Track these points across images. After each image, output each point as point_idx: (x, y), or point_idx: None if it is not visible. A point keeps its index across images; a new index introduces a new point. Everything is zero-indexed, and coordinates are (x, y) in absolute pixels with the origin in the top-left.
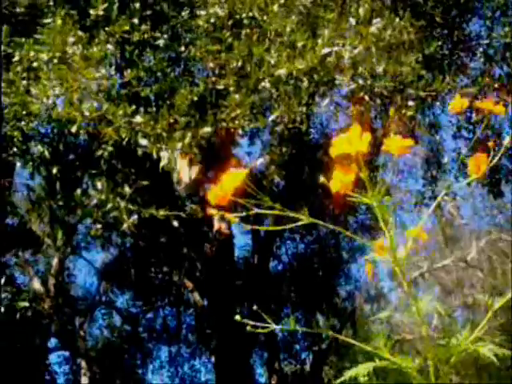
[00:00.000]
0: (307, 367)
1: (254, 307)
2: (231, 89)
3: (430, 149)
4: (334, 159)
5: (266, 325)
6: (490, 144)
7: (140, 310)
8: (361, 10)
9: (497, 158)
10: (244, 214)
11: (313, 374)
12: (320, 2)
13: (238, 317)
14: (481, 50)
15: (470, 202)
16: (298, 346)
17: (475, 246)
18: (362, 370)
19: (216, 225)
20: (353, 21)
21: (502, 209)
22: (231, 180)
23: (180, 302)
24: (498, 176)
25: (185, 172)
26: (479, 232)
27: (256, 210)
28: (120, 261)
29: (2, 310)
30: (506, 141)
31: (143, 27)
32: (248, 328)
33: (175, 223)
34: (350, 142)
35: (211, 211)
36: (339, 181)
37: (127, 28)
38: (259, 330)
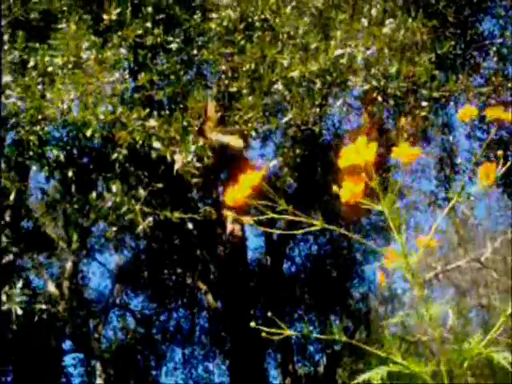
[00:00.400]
0: (321, 369)
1: (269, 313)
2: (244, 91)
3: (443, 149)
4: (343, 170)
5: (280, 331)
6: (500, 153)
7: (154, 312)
8: (373, 11)
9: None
10: (258, 217)
11: (326, 376)
12: (332, 2)
13: (252, 323)
14: (494, 49)
15: (484, 202)
16: (311, 348)
17: (490, 247)
18: (375, 374)
19: (229, 227)
20: (365, 22)
21: None
22: (248, 182)
23: (193, 304)
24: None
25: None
26: (494, 232)
27: (270, 214)
28: (134, 263)
29: (20, 312)
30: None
31: (156, 31)
32: (263, 334)
33: (189, 225)
34: (357, 152)
35: (226, 212)
36: (349, 191)
37: (140, 32)
38: (273, 337)
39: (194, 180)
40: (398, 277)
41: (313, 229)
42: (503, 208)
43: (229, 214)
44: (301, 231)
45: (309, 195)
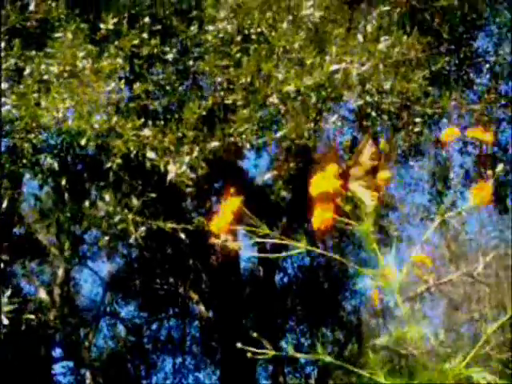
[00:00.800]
0: (312, 381)
1: (254, 334)
2: (239, 103)
3: (436, 163)
4: (315, 197)
5: (265, 351)
6: (489, 172)
7: (145, 320)
8: (369, 27)
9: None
10: (243, 242)
11: None
12: (328, 16)
13: (239, 344)
14: (487, 66)
15: (476, 217)
16: (302, 360)
17: (482, 261)
18: None
19: (222, 237)
20: (361, 38)
21: (509, 224)
22: (229, 208)
23: (185, 313)
24: (504, 192)
25: None
26: (486, 247)
27: (255, 239)
28: (126, 271)
29: (6, 322)
30: (500, 168)
31: (152, 41)
32: (248, 355)
33: (182, 235)
34: (326, 180)
35: (213, 241)
36: (319, 217)
37: (137, 42)
38: (259, 356)
39: (188, 190)
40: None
41: (297, 251)
42: (496, 223)
43: (216, 242)
44: (284, 255)
45: (302, 208)
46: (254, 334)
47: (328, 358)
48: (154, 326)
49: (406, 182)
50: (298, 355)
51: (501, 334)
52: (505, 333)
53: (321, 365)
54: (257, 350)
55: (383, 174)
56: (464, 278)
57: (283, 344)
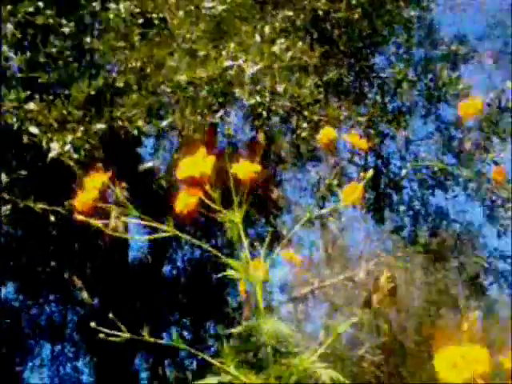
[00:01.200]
0: (189, 374)
1: (110, 315)
2: (130, 88)
3: (330, 169)
4: (181, 181)
5: (121, 334)
6: (363, 175)
7: (24, 304)
8: (266, 28)
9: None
10: (106, 221)
11: (195, 381)
12: (235, 11)
13: (92, 323)
14: (379, 81)
15: (362, 226)
16: (182, 353)
17: (364, 268)
18: (207, 382)
19: (112, 222)
20: (258, 37)
21: (390, 235)
22: (93, 184)
23: (68, 299)
24: (381, 203)
25: None
26: (369, 254)
27: (122, 219)
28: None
29: None
30: (369, 173)
31: (48, 11)
32: (100, 335)
33: (52, 218)
34: (195, 164)
35: (78, 217)
36: (183, 201)
37: (31, 10)
38: (114, 339)
39: (76, 171)
40: (275, 288)
41: (165, 235)
42: (379, 233)
43: (80, 219)
44: (151, 237)
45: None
46: (110, 315)
47: (183, 346)
48: (34, 311)
49: (302, 185)
50: (160, 341)
51: (376, 339)
52: (380, 337)
53: (200, 358)
54: (110, 332)
55: (252, 167)
56: (346, 283)
57: (165, 336)
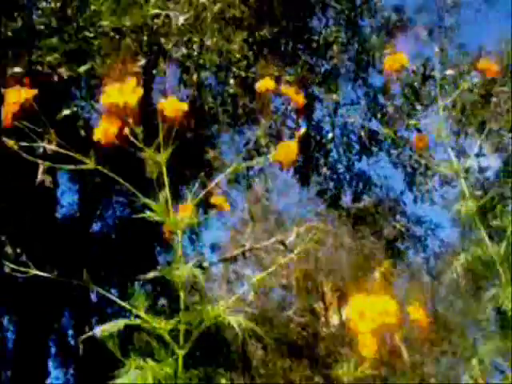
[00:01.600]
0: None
1: (17, 250)
2: (49, 31)
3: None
4: (105, 108)
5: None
6: (297, 134)
7: None
8: None
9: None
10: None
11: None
12: None
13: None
14: (313, 45)
15: (294, 190)
16: (110, 310)
17: (295, 232)
18: (112, 326)
19: (39, 177)
20: None
21: (316, 198)
22: (15, 97)
23: None
24: (308, 166)
25: None
26: (300, 219)
27: (37, 142)
28: None
29: None
30: (301, 131)
31: None
32: (7, 270)
33: None
34: (121, 92)
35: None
36: (102, 131)
37: None
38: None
39: None
40: (206, 247)
41: (85, 167)
42: (312, 199)
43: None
44: (70, 167)
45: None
46: (18, 252)
47: (92, 286)
48: None
49: (239, 145)
50: (63, 283)
51: (306, 302)
52: (310, 300)
53: (128, 315)
54: (19, 268)
55: (179, 104)
56: (276, 246)
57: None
